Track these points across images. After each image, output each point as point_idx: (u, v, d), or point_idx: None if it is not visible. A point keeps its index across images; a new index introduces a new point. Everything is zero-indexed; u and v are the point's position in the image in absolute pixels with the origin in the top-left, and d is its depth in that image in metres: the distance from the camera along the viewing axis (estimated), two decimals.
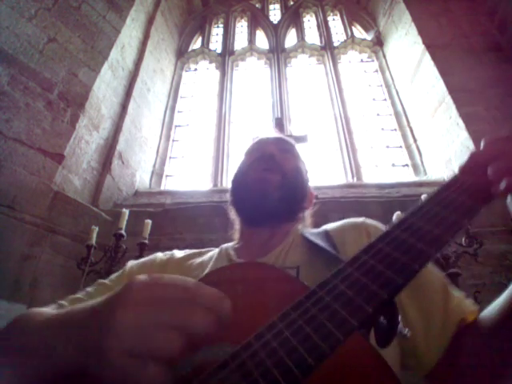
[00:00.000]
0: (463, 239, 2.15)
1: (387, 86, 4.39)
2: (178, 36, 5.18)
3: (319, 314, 0.29)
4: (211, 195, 3.25)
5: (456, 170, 0.43)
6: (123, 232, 2.31)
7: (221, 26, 5.51)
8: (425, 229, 0.34)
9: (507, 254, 2.38)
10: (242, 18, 5.62)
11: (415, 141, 3.80)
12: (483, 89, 3.29)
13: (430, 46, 3.73)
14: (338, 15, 5.39)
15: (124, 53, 3.75)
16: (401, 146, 3.88)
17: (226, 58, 4.94)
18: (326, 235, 0.65)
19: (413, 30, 3.99)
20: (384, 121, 4.11)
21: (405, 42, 4.17)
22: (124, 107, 3.63)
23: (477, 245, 2.11)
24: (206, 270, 0.65)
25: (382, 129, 4.04)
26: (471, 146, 2.95)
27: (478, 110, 3.19)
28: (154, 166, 3.90)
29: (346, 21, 5.19)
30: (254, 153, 0.82)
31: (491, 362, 0.44)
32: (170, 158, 4.11)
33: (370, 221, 0.68)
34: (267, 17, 5.42)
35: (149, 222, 2.38)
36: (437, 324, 0.51)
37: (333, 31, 5.18)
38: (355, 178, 3.51)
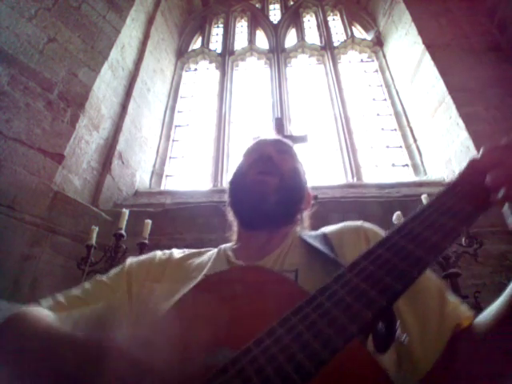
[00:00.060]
0: (463, 239, 2.15)
1: (387, 86, 4.39)
2: (178, 36, 5.18)
3: (319, 319, 0.30)
4: (211, 195, 3.25)
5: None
6: (123, 232, 2.31)
7: (221, 25, 5.51)
8: (423, 235, 0.35)
9: (507, 254, 2.38)
10: (241, 17, 5.62)
11: (415, 141, 3.80)
12: (483, 89, 3.29)
13: (430, 46, 3.73)
14: (338, 15, 5.39)
15: (124, 53, 3.75)
16: (401, 146, 3.88)
17: (226, 58, 4.94)
18: (324, 238, 0.65)
19: (413, 30, 3.99)
20: (384, 121, 4.11)
21: (405, 42, 4.17)
22: (124, 107, 3.63)
23: (477, 245, 2.11)
24: (205, 271, 0.65)
25: (382, 129, 4.04)
26: (471, 146, 2.95)
27: (477, 109, 3.19)
28: (154, 166, 3.90)
29: (345, 21, 5.19)
30: (252, 154, 0.82)
31: (486, 367, 0.45)
32: (170, 158, 4.11)
33: (367, 224, 0.68)
34: (267, 17, 5.42)
35: (149, 221, 2.38)
36: (433, 329, 0.51)
37: (333, 31, 5.18)
38: (355, 178, 3.51)
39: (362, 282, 0.32)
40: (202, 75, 4.98)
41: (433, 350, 0.50)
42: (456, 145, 3.16)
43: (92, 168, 3.11)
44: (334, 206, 2.71)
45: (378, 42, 4.80)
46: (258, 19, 5.43)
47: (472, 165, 0.43)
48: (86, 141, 3.06)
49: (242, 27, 5.51)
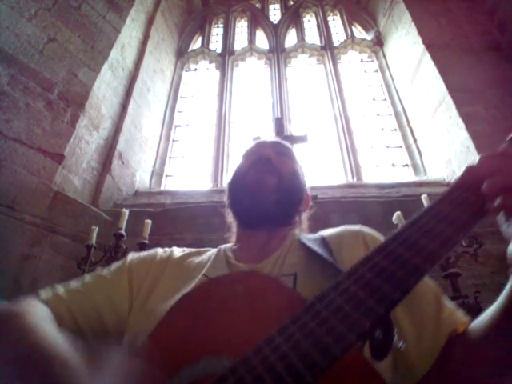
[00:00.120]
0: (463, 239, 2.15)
1: (387, 86, 4.39)
2: (178, 36, 5.17)
3: (317, 328, 0.30)
4: (211, 195, 3.25)
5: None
6: (123, 232, 2.31)
7: (221, 25, 5.50)
8: (421, 243, 0.35)
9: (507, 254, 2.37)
10: (241, 17, 5.61)
11: (415, 141, 3.80)
12: (483, 89, 3.29)
13: (430, 46, 3.73)
14: (338, 15, 5.39)
15: (124, 53, 3.74)
16: (401, 146, 3.88)
17: (225, 58, 4.94)
18: (323, 241, 0.65)
19: (413, 30, 3.98)
20: (384, 121, 4.11)
21: (405, 42, 4.16)
22: (124, 107, 3.63)
23: (477, 245, 2.11)
24: (204, 270, 0.66)
25: (382, 129, 4.04)
26: (471, 146, 2.96)
27: (477, 109, 3.19)
28: (154, 165, 3.90)
29: (345, 21, 5.18)
30: (251, 156, 0.82)
31: (480, 371, 0.45)
32: (170, 158, 4.11)
33: (366, 229, 0.68)
34: (267, 17, 5.41)
35: (149, 221, 2.38)
36: (428, 335, 0.52)
37: (333, 31, 5.18)
38: (355, 178, 3.51)
39: (360, 290, 0.32)
40: (201, 75, 4.98)
41: (428, 355, 0.50)
42: (456, 145, 3.16)
43: (92, 168, 3.11)
44: (333, 206, 2.71)
45: (378, 42, 4.80)
46: (257, 19, 5.42)
47: (469, 172, 0.43)
48: (86, 141, 3.06)
49: (241, 27, 5.51)
